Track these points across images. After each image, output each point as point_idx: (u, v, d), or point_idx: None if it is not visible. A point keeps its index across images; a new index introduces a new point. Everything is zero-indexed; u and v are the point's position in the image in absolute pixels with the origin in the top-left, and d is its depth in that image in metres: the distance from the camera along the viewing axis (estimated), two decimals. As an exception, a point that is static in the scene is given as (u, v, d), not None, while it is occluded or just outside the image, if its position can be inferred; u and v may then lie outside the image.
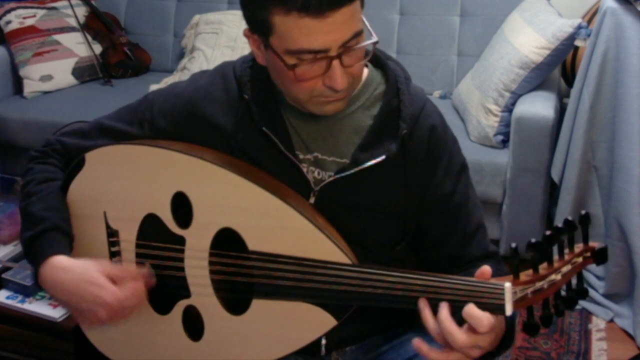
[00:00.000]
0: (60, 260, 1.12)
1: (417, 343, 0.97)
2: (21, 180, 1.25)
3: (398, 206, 1.15)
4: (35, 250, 1.14)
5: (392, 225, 1.17)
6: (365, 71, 1.17)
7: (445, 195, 1.16)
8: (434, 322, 0.96)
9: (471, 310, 0.93)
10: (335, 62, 1.01)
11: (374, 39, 1.05)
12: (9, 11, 3.10)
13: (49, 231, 1.15)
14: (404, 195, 1.15)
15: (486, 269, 0.96)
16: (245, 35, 1.09)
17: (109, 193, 1.20)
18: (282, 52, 1.01)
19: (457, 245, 1.18)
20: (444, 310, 0.95)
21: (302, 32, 0.98)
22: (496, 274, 0.97)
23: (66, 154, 1.26)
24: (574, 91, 2.26)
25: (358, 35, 1.02)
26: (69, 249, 1.16)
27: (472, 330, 0.94)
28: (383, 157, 1.11)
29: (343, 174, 1.12)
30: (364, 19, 1.04)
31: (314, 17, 0.96)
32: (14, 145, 2.92)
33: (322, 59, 1.01)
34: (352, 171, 1.11)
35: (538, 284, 0.94)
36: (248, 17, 1.05)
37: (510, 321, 1.00)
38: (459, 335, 0.94)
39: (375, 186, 1.14)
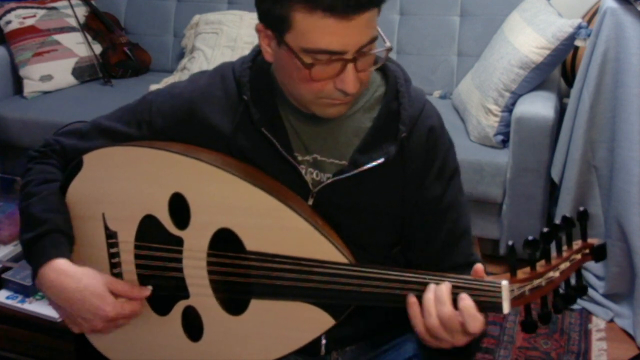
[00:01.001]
0: (63, 265, 1.12)
1: (411, 300, 0.98)
2: (20, 181, 1.25)
3: (396, 208, 1.15)
4: (37, 251, 1.14)
5: (390, 227, 1.17)
6: (367, 73, 1.17)
7: (435, 197, 1.16)
8: (432, 290, 0.97)
9: (469, 307, 0.94)
10: (350, 66, 1.01)
11: (388, 45, 1.05)
12: (9, 11, 3.11)
13: (51, 233, 1.15)
14: (402, 197, 1.15)
15: (480, 267, 0.96)
16: (258, 29, 1.08)
17: (107, 194, 1.20)
18: (297, 50, 1.01)
19: (441, 249, 1.17)
20: (447, 285, 0.96)
21: (323, 31, 0.98)
22: None
23: (65, 154, 1.26)
24: (574, 91, 2.25)
25: (373, 40, 1.02)
26: (70, 251, 1.17)
27: (460, 320, 0.94)
28: (382, 159, 1.11)
29: (341, 176, 1.12)
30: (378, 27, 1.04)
31: (339, 18, 0.96)
32: (14, 145, 2.92)
33: (336, 61, 1.01)
34: (351, 173, 1.11)
35: (536, 282, 0.94)
36: (264, 12, 1.04)
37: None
38: (448, 307, 0.95)
39: (373, 188, 1.13)
